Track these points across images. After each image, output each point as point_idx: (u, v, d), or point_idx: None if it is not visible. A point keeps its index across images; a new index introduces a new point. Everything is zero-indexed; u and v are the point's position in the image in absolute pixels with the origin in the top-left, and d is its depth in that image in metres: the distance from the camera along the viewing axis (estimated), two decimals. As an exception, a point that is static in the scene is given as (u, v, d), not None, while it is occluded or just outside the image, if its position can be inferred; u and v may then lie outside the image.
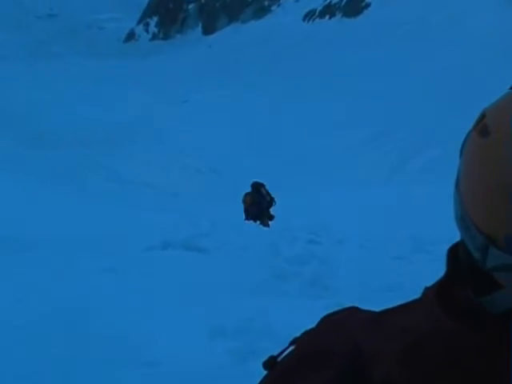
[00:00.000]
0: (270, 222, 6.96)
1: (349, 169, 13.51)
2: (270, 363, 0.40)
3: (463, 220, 0.40)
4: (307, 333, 0.41)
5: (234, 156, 16.94)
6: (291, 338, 0.42)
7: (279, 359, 0.40)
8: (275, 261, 3.97)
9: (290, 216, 6.59)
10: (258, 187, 7.28)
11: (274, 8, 29.39)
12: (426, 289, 0.43)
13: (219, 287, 3.27)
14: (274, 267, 3.82)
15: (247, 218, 7.10)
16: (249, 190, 7.39)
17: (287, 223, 5.66)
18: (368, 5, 24.17)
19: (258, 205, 7.07)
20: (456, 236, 0.43)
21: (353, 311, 0.42)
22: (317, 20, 25.69)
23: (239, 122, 17.90)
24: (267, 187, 7.29)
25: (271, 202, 7.19)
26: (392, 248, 4.58)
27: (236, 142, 17.57)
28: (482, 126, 0.40)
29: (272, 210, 7.30)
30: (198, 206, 9.92)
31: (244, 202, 7.01)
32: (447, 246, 0.44)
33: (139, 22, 36.11)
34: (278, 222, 6.74)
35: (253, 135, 17.57)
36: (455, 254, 0.42)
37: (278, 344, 0.47)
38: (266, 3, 29.53)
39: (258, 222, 6.35)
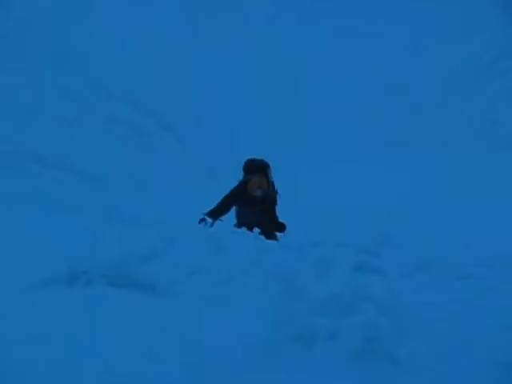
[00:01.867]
0: (278, 233, 7.15)
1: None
2: None
3: None
4: None
5: (205, 104, 19.11)
6: None
7: None
8: (292, 307, 3.89)
9: (311, 218, 7.73)
10: (263, 169, 7.26)
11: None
12: None
13: (184, 366, 3.19)
14: (290, 320, 3.80)
15: (240, 223, 7.12)
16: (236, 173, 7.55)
17: (308, 231, 5.96)
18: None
19: (265, 201, 7.17)
20: None
21: None
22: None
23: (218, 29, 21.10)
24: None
25: (274, 195, 7.30)
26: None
27: (211, 76, 20.14)
28: None
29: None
30: (139, 200, 10.59)
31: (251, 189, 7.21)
32: None
33: None
34: (293, 228, 7.23)
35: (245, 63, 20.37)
36: None
37: None
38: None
39: (258, 232, 6.02)
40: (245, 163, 7.37)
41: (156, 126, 19.29)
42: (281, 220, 7.43)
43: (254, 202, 7.20)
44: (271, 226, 7.20)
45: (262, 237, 5.76)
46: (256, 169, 7.26)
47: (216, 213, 7.18)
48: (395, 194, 12.12)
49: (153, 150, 18.56)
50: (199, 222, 7.06)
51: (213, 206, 7.26)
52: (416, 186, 12.71)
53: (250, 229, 6.57)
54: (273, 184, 7.34)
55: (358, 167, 14.58)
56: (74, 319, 3.63)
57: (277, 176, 7.32)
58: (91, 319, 3.66)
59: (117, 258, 4.29)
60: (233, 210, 7.42)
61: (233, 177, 7.63)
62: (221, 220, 7.20)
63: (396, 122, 20.03)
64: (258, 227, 6.78)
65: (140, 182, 16.11)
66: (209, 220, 7.08)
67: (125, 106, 19.58)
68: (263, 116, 20.49)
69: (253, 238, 5.45)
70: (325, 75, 21.52)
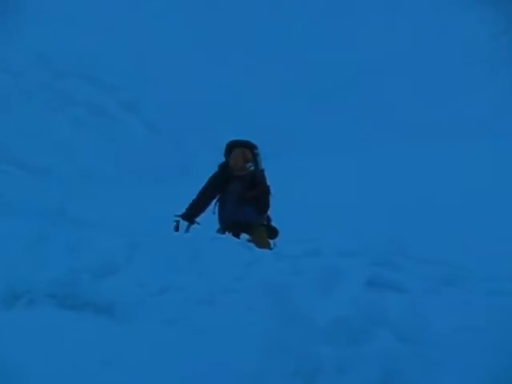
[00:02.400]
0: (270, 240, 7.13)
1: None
2: None
3: None
4: None
5: (178, 80, 19.73)
6: None
7: None
8: (289, 334, 3.95)
9: (311, 220, 7.46)
10: (250, 149, 7.23)
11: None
12: None
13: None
14: (287, 350, 3.85)
15: (223, 229, 7.09)
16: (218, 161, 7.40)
17: (307, 236, 5.85)
18: None
19: (255, 183, 7.07)
20: None
21: None
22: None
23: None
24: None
25: (266, 191, 7.20)
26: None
27: (185, 43, 20.77)
28: None
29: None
30: (95, 199, 10.94)
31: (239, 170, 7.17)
32: None
33: None
34: (289, 231, 6.99)
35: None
36: None
37: None
38: None
39: (247, 238, 6.19)
40: (226, 145, 7.35)
41: (117, 106, 19.26)
42: (272, 224, 7.38)
43: (240, 186, 7.10)
44: (262, 229, 7.15)
45: (252, 244, 5.75)
46: (239, 145, 7.30)
47: (192, 212, 7.14)
48: (412, 191, 12.22)
49: (113, 135, 18.46)
50: (175, 228, 7.03)
51: (188, 204, 7.21)
52: (436, 180, 12.86)
53: (237, 234, 6.64)
54: (263, 173, 7.29)
55: (366, 159, 14.76)
56: (12, 348, 3.63)
57: (268, 171, 7.30)
58: (34, 348, 3.65)
59: (66, 272, 4.28)
60: (213, 214, 7.39)
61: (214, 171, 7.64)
62: (198, 223, 7.16)
63: (409, 110, 20.81)
64: (248, 226, 6.97)
65: (97, 175, 16.09)
66: (183, 223, 7.02)
67: (78, 82, 19.59)
68: (252, 97, 20.74)
69: (239, 245, 5.42)
70: (326, 56, 22.13)
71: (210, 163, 7.95)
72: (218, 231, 7.06)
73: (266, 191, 7.11)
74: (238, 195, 7.03)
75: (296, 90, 21.31)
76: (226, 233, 6.86)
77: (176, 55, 21.07)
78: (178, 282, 4.41)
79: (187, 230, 7.03)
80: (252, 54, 22.09)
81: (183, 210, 7.14)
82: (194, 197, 7.23)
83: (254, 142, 7.35)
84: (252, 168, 7.12)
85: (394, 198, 11.62)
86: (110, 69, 19.82)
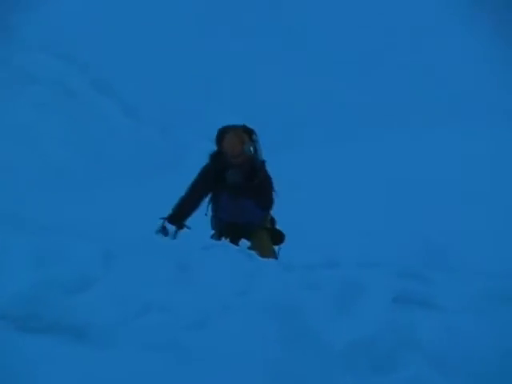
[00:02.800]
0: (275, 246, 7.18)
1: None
2: None
3: None
4: None
5: (163, 55, 20.12)
6: None
7: None
8: (300, 360, 3.97)
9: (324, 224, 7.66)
10: (248, 133, 7.28)
11: None
12: None
13: None
14: (298, 380, 3.88)
15: (218, 234, 7.19)
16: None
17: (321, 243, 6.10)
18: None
19: (255, 173, 7.13)
20: None
21: None
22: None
23: None
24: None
25: (268, 180, 7.25)
26: None
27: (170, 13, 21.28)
28: None
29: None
30: (62, 198, 11.15)
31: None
32: None
33: None
34: (297, 237, 7.14)
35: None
36: None
37: None
38: None
39: (248, 245, 6.15)
40: (218, 130, 7.36)
41: (88, 86, 19.19)
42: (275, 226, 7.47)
43: (238, 176, 7.08)
44: (264, 232, 7.20)
45: (254, 252, 5.74)
46: (233, 129, 7.30)
47: (180, 213, 7.15)
48: (446, 185, 12.10)
49: (84, 121, 18.30)
50: (157, 232, 7.02)
51: (175, 203, 7.20)
52: (476, 172, 12.75)
53: (235, 240, 6.57)
54: (264, 165, 7.30)
55: (388, 145, 14.85)
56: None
57: (271, 164, 7.28)
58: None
59: (29, 287, 4.27)
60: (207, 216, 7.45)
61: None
62: (188, 227, 7.15)
63: (436, 91, 21.52)
64: (248, 229, 7.02)
65: (65, 170, 15.94)
66: (170, 227, 7.01)
67: (41, 56, 19.47)
68: (251, 79, 20.92)
69: (238, 254, 5.43)
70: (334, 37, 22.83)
71: (202, 154, 7.97)
72: (212, 237, 7.10)
73: (268, 181, 7.14)
74: (237, 188, 7.07)
75: (296, 68, 21.73)
76: (222, 238, 6.88)
77: (158, 26, 21.15)
78: (165, 299, 4.39)
79: (175, 235, 7.03)
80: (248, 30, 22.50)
81: (169, 212, 7.14)
82: (182, 194, 7.23)
83: (251, 126, 7.37)
84: (252, 149, 7.12)
85: (427, 198, 11.41)
86: (80, 42, 19.78)
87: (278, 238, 7.23)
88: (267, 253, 6.86)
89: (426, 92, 22.52)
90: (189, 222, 7.23)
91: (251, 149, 7.19)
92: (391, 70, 23.64)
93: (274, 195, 7.31)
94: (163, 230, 7.00)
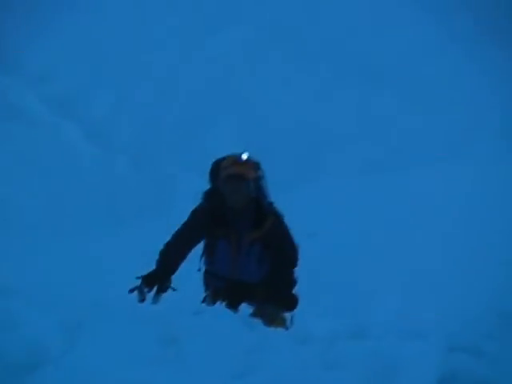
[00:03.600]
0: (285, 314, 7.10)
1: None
2: None
3: None
4: None
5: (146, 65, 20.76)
6: None
7: None
8: None
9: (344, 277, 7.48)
10: (251, 167, 7.37)
11: None
12: None
13: None
14: None
15: (212, 295, 7.16)
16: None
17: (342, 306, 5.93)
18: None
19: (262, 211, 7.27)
20: None
21: None
22: None
23: None
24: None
25: (283, 231, 7.28)
26: None
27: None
28: None
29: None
30: (15, 248, 11.04)
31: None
32: None
33: None
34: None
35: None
36: None
37: None
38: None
39: (250, 312, 6.39)
40: (212, 165, 7.38)
41: (42, 106, 19.14)
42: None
43: (241, 224, 7.17)
44: (281, 290, 7.11)
45: (258, 320, 5.84)
46: (234, 175, 7.30)
47: (163, 269, 7.14)
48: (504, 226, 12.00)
49: (38, 150, 18.29)
50: (131, 291, 7.00)
51: (157, 256, 7.20)
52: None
53: (234, 304, 6.71)
54: (272, 207, 7.33)
55: (414, 177, 15.05)
56: None
57: (280, 205, 7.35)
58: None
59: None
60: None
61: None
62: (174, 289, 7.13)
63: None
64: (251, 288, 6.98)
65: (16, 216, 15.95)
66: (147, 290, 7.01)
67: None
68: (251, 98, 20.98)
69: (238, 322, 5.49)
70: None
71: (190, 192, 7.99)
72: (205, 300, 7.12)
73: (283, 229, 7.17)
74: (239, 240, 7.13)
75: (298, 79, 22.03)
76: (217, 302, 6.87)
77: (133, 26, 21.33)
78: (145, 383, 4.41)
79: (156, 299, 7.00)
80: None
81: (150, 268, 7.14)
82: (166, 242, 7.26)
83: (253, 157, 7.41)
84: (252, 187, 7.16)
85: (495, 245, 11.01)
86: (32, 51, 19.92)
87: (289, 301, 7.34)
88: (276, 321, 6.85)
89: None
90: (175, 280, 7.27)
91: (252, 184, 7.24)
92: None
93: (296, 247, 7.34)
94: (140, 293, 6.99)
